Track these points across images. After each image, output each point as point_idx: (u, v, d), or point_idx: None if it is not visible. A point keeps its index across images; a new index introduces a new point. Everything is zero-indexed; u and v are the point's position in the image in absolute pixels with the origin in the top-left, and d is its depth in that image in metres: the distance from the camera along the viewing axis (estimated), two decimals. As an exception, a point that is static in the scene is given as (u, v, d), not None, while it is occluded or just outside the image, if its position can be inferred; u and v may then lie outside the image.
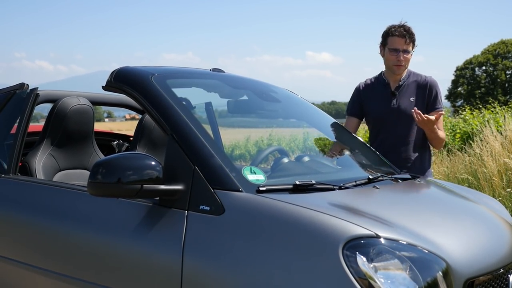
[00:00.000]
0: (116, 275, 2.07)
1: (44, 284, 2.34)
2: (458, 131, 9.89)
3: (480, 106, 12.95)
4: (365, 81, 3.66)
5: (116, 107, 3.93)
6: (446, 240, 1.88)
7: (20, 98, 2.93)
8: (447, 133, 9.50)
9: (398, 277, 1.68)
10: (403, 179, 2.63)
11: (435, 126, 3.30)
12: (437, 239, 1.85)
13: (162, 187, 1.97)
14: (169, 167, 2.05)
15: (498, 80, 43.63)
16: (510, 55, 44.27)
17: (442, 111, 3.40)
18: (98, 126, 3.50)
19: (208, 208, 1.93)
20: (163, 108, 2.18)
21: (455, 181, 6.76)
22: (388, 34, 3.47)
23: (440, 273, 1.73)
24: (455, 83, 45.92)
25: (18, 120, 2.83)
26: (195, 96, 2.76)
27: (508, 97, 39.06)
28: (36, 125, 3.75)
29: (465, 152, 7.86)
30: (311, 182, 2.08)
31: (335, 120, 3.18)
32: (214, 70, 2.91)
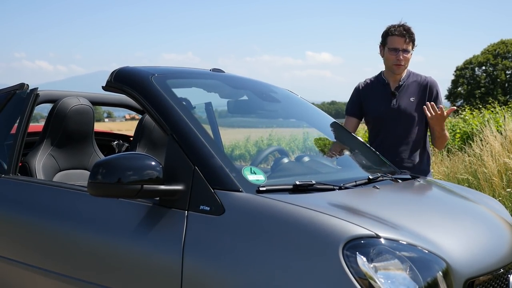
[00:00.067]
0: (116, 275, 2.07)
1: (44, 284, 2.34)
2: (458, 131, 9.89)
3: (480, 106, 12.95)
4: (365, 81, 3.66)
5: (116, 107, 3.93)
6: (446, 240, 1.88)
7: (20, 98, 2.93)
8: (447, 133, 9.46)
9: (398, 277, 1.68)
10: (403, 179, 2.63)
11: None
12: (437, 239, 1.85)
13: (162, 187, 1.97)
14: (169, 167, 2.05)
15: (498, 80, 43.65)
16: (510, 55, 44.29)
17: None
18: (98, 126, 3.50)
19: (208, 208, 1.93)
20: (163, 108, 2.18)
21: (455, 181, 6.76)
22: (387, 34, 3.47)
23: (440, 273, 1.73)
24: (455, 83, 45.94)
25: (18, 120, 2.83)
26: (195, 96, 2.76)
27: (508, 97, 39.07)
28: (36, 125, 3.75)
29: (465, 152, 7.85)
30: (311, 182, 2.08)
31: (335, 120, 3.18)
32: (214, 70, 2.91)
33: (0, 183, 2.67)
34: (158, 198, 2.04)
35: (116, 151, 3.95)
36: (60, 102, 2.97)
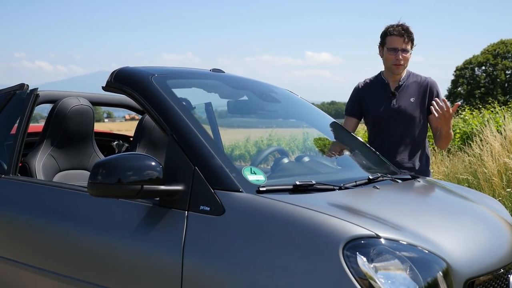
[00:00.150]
0: (116, 276, 2.07)
1: (44, 285, 2.34)
2: (458, 131, 9.89)
3: (480, 106, 12.95)
4: (364, 81, 3.66)
5: (116, 107, 3.93)
6: (446, 240, 1.88)
7: (20, 98, 2.93)
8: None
9: (399, 277, 1.68)
10: (403, 179, 2.63)
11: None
12: (437, 239, 1.85)
13: (162, 187, 1.97)
14: (169, 167, 2.05)
15: (498, 80, 43.65)
16: (510, 55, 44.29)
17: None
18: (98, 127, 3.50)
19: (208, 209, 1.93)
20: (163, 109, 2.18)
21: (455, 181, 6.76)
22: (386, 34, 3.47)
23: (441, 273, 1.73)
24: (454, 83, 45.93)
25: (18, 121, 2.83)
26: (195, 96, 2.76)
27: (507, 97, 39.06)
28: (36, 126, 3.75)
29: (465, 152, 7.86)
30: (311, 183, 2.08)
31: (334, 120, 3.18)
32: (214, 70, 2.91)
33: (0, 184, 2.67)
34: (158, 199, 2.04)
35: (116, 152, 3.95)
36: (60, 103, 2.97)
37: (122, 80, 2.33)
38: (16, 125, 2.85)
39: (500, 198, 5.71)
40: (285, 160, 2.81)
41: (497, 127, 7.76)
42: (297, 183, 2.05)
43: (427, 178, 3.05)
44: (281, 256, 1.74)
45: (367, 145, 3.13)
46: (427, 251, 1.76)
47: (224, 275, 1.81)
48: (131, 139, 3.73)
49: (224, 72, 2.93)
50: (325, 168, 2.84)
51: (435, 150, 8.36)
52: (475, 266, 1.85)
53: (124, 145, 4.03)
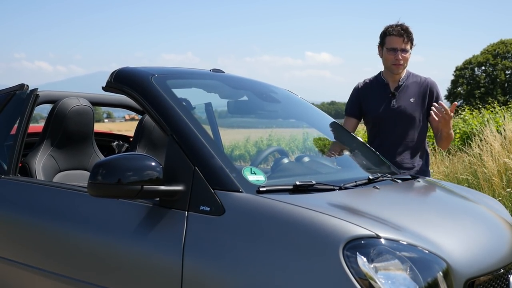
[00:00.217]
0: (116, 276, 2.07)
1: (44, 285, 2.34)
2: (458, 131, 9.89)
3: (480, 106, 12.95)
4: (364, 81, 3.66)
5: (116, 107, 3.93)
6: (447, 240, 1.88)
7: (20, 99, 2.93)
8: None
9: (399, 278, 1.68)
10: (403, 179, 2.63)
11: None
12: (438, 239, 1.85)
13: (162, 187, 1.97)
14: (169, 167, 2.05)
15: (498, 80, 43.65)
16: (510, 55, 44.29)
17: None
18: (98, 127, 3.50)
19: (208, 209, 1.93)
20: (163, 109, 2.18)
21: (455, 181, 6.76)
22: (385, 34, 3.47)
23: (441, 273, 1.73)
24: (454, 83, 45.93)
25: (18, 121, 2.83)
26: (195, 96, 2.76)
27: (507, 97, 39.07)
28: (36, 126, 3.75)
29: (465, 152, 7.86)
30: (311, 183, 2.08)
31: (334, 120, 3.18)
32: (214, 70, 2.91)
33: (0, 184, 2.67)
34: (158, 199, 2.04)
35: (116, 152, 3.95)
36: (60, 103, 2.97)
37: (122, 80, 2.33)
38: (16, 125, 2.85)
39: (500, 198, 5.71)
40: (285, 160, 2.81)
41: (497, 127, 7.76)
42: (297, 183, 2.05)
43: (427, 178, 3.05)
44: (281, 256, 1.74)
45: (367, 145, 3.13)
46: (427, 251, 1.76)
47: (224, 275, 1.81)
48: (131, 139, 3.73)
49: (224, 72, 2.93)
50: (325, 168, 2.84)
51: (435, 150, 8.36)
52: (475, 266, 1.85)
53: (124, 145, 4.03)
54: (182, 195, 1.98)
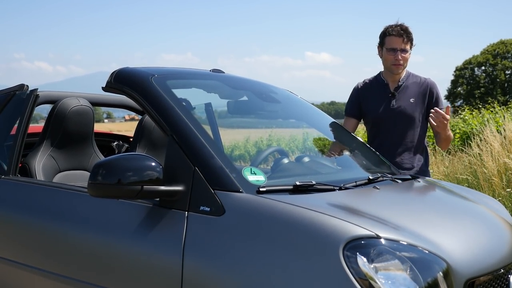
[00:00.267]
0: (116, 276, 2.07)
1: (44, 285, 2.34)
2: (458, 131, 9.90)
3: (480, 106, 12.95)
4: (364, 81, 3.66)
5: (116, 108, 3.93)
6: (447, 240, 1.88)
7: (19, 99, 2.93)
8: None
9: (399, 278, 1.68)
10: (403, 179, 2.63)
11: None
12: (438, 239, 1.85)
13: (162, 188, 1.97)
14: (169, 168, 2.05)
15: (498, 80, 43.67)
16: (510, 55, 44.31)
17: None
18: (98, 127, 3.50)
19: (209, 209, 1.93)
20: (163, 109, 2.18)
21: (455, 181, 6.76)
22: (385, 34, 3.47)
23: (441, 273, 1.73)
24: (454, 83, 45.95)
25: (18, 121, 2.83)
26: (195, 96, 2.76)
27: (507, 97, 39.08)
28: (36, 126, 3.75)
29: (465, 152, 7.86)
30: (311, 183, 2.08)
31: (334, 120, 3.18)
32: (214, 70, 2.91)
33: (0, 184, 2.67)
34: (158, 199, 2.04)
35: (116, 152, 3.95)
36: (60, 103, 2.97)
37: (122, 81, 2.33)
38: (16, 125, 2.85)
39: (500, 198, 5.71)
40: (285, 161, 2.81)
41: (497, 127, 7.76)
42: (297, 183, 2.05)
43: (427, 178, 3.05)
44: (281, 256, 1.74)
45: (367, 145, 3.13)
46: (427, 251, 1.76)
47: (225, 275, 1.81)
48: (131, 139, 3.73)
49: (224, 73, 2.93)
50: (325, 169, 2.84)
51: (435, 150, 8.36)
52: (475, 266, 1.85)
53: (124, 145, 4.03)
54: (182, 195, 1.98)
